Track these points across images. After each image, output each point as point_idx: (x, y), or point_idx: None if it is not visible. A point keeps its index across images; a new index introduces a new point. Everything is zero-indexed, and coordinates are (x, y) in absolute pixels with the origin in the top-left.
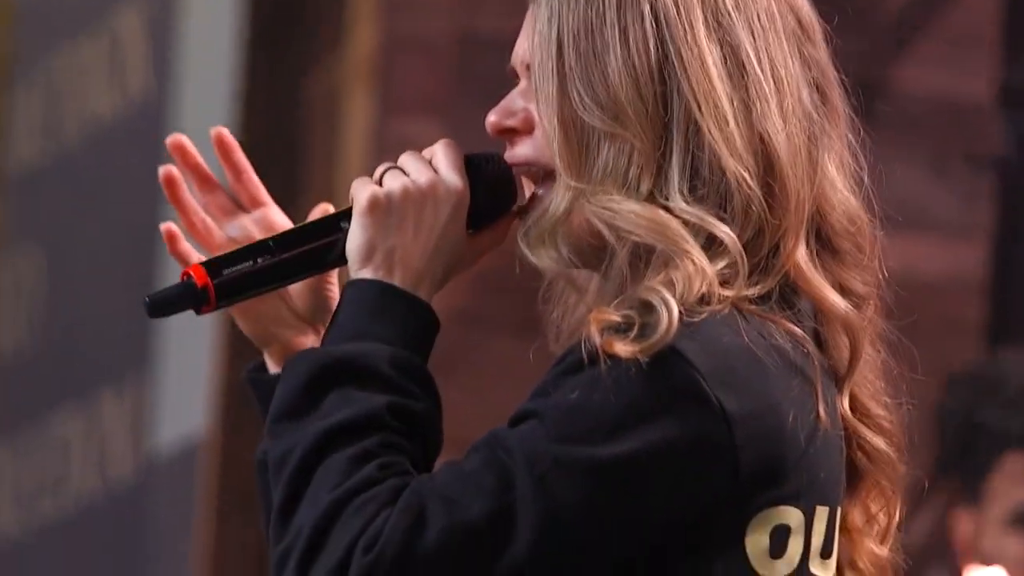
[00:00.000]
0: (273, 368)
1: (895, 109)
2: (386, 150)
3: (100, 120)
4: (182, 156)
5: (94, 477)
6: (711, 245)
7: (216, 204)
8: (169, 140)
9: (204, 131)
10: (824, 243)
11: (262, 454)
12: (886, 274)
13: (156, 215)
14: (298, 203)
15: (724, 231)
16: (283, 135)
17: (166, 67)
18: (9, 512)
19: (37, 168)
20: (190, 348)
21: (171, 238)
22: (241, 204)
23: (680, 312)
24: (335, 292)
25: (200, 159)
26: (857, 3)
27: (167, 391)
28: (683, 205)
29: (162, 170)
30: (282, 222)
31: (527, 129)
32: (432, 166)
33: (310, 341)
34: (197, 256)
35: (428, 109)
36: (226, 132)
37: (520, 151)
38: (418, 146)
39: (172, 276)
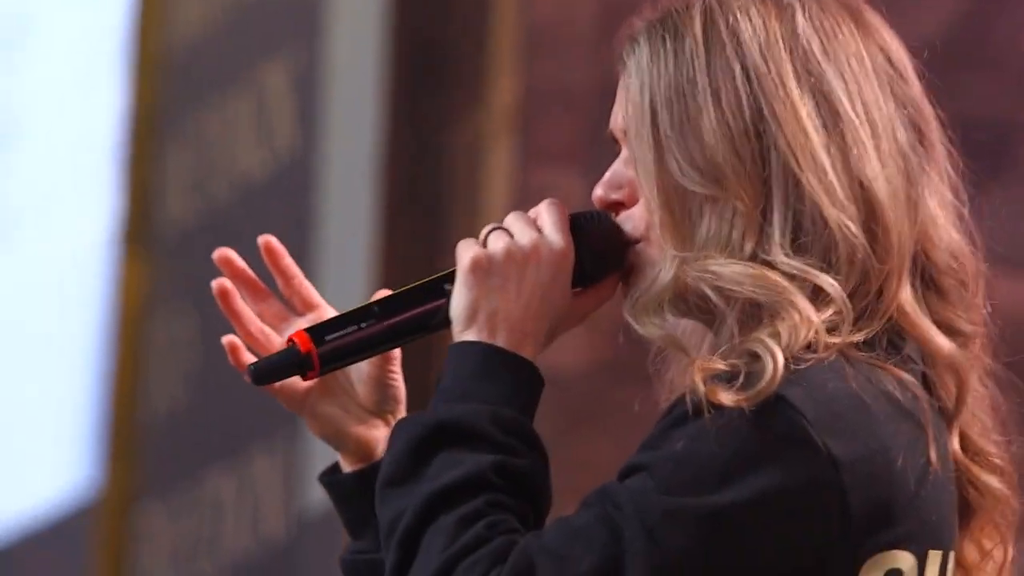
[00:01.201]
0: (347, 467)
1: None
2: (528, 201)
3: (249, 178)
4: (230, 268)
5: (247, 536)
6: (816, 296)
7: (270, 312)
8: (216, 254)
9: (349, 186)
10: (928, 282)
11: (348, 554)
12: (990, 310)
13: (305, 272)
14: (442, 255)
15: (827, 281)
16: (426, 188)
17: (312, 122)
18: (166, 572)
19: (189, 226)
20: None
21: (233, 350)
22: (295, 308)
23: (786, 360)
24: (399, 381)
25: (247, 269)
26: (992, 46)
27: (317, 450)
28: (784, 259)
29: (215, 284)
30: None
31: (632, 201)
32: (536, 226)
33: (381, 434)
34: None
35: (569, 159)
36: (273, 240)
37: (624, 223)
38: (559, 196)
39: None
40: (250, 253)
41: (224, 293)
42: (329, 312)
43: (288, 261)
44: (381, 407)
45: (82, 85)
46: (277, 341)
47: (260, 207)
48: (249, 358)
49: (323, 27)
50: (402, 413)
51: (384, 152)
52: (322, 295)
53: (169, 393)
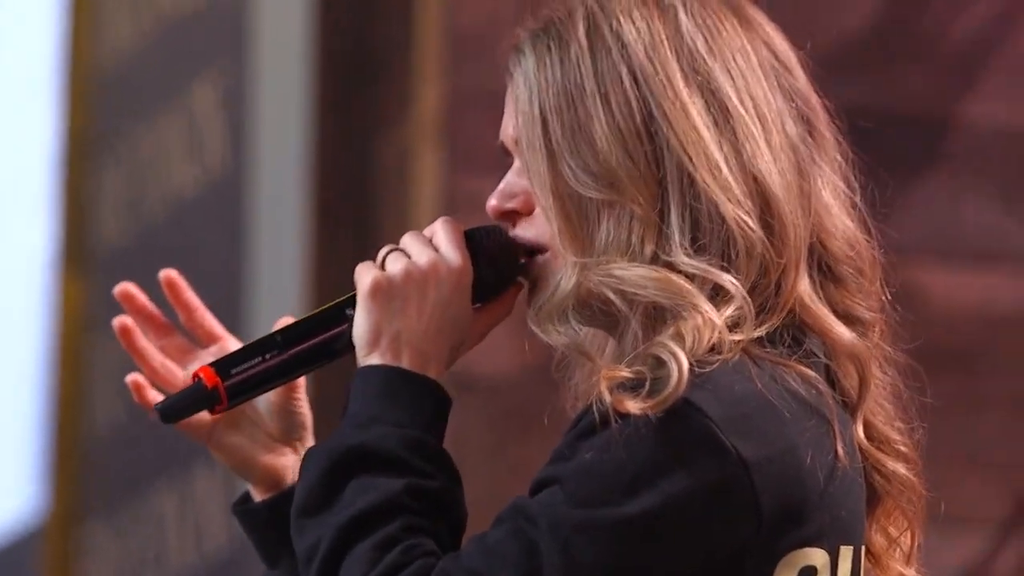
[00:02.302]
0: (257, 496)
1: (962, 145)
2: (457, 207)
3: (181, 195)
4: (131, 304)
5: (191, 551)
6: (717, 294)
7: (173, 346)
8: (117, 290)
9: (280, 199)
10: (825, 272)
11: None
12: (890, 297)
13: (238, 289)
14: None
15: (727, 279)
16: (356, 197)
17: (241, 137)
18: None
19: (124, 245)
20: None
21: (137, 388)
22: (199, 341)
23: (690, 364)
24: (305, 408)
25: (150, 306)
26: (919, 41)
27: None
28: (685, 259)
29: (116, 322)
30: None
31: (528, 210)
32: (433, 245)
33: (289, 461)
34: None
35: (496, 165)
36: (174, 273)
37: (523, 233)
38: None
39: None
40: (184, 269)
41: (125, 331)
42: (233, 343)
43: (189, 295)
44: (288, 435)
45: (14, 108)
46: (181, 375)
47: (193, 223)
48: (155, 395)
49: (250, 41)
50: (309, 439)
51: (314, 163)
52: (256, 308)
53: (110, 412)
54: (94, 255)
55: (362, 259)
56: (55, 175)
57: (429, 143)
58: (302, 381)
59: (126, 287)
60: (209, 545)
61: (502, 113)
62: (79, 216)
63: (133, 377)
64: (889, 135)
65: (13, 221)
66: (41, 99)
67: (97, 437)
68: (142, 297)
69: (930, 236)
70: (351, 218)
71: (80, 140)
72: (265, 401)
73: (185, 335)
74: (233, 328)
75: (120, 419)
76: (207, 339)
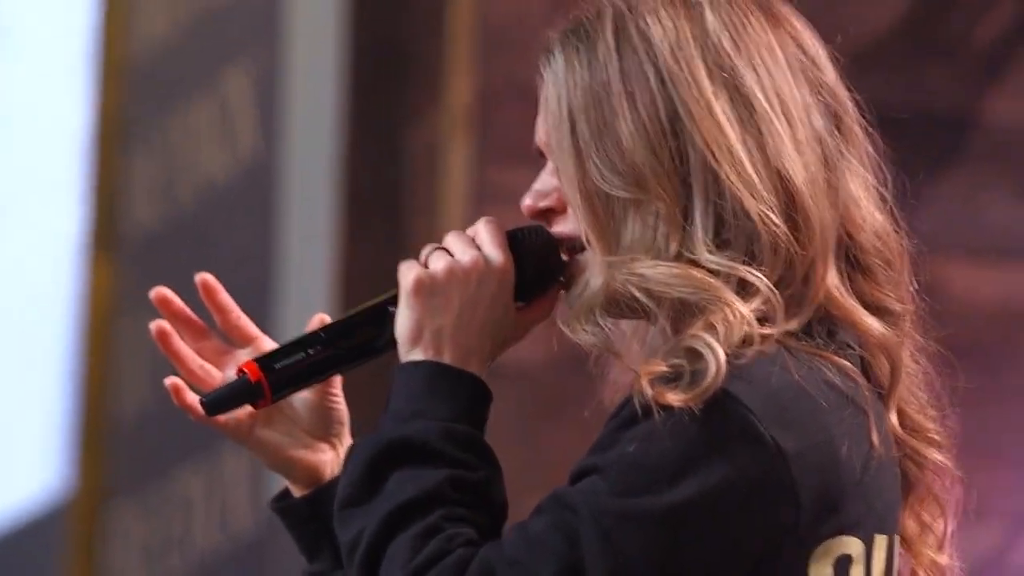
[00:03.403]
0: (296, 492)
1: (985, 141)
2: (486, 199)
3: (213, 182)
4: (168, 309)
5: (217, 532)
6: (743, 289)
7: (210, 349)
8: (153, 294)
9: (311, 187)
10: (854, 264)
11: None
12: (916, 287)
13: (268, 276)
14: (403, 254)
15: (752, 273)
16: (387, 187)
17: (273, 126)
18: (138, 570)
19: (154, 230)
20: None
21: (176, 391)
22: (234, 343)
23: (727, 355)
24: (341, 404)
25: (186, 309)
26: (946, 38)
27: None
28: (708, 256)
29: (153, 326)
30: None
31: (562, 208)
32: (475, 244)
33: (328, 458)
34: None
35: (526, 157)
36: (209, 277)
37: (560, 229)
38: (517, 194)
39: (283, 333)
40: (214, 255)
41: (163, 334)
42: (267, 343)
43: (224, 296)
44: (325, 431)
45: (47, 92)
46: (218, 377)
47: (224, 210)
48: (193, 398)
49: (283, 31)
50: (346, 435)
51: (345, 153)
52: (285, 294)
53: (138, 394)
54: (125, 240)
55: (392, 249)
56: (87, 160)
57: (460, 135)
58: (339, 379)
59: (162, 291)
60: (235, 527)
61: (533, 105)
62: (110, 201)
63: (172, 380)
64: (913, 131)
65: (45, 205)
66: (74, 84)
67: (125, 419)
68: (178, 301)
69: (952, 231)
70: (381, 207)
71: (112, 125)
72: (302, 399)
73: (220, 337)
74: (262, 314)
75: (148, 401)
76: (242, 340)
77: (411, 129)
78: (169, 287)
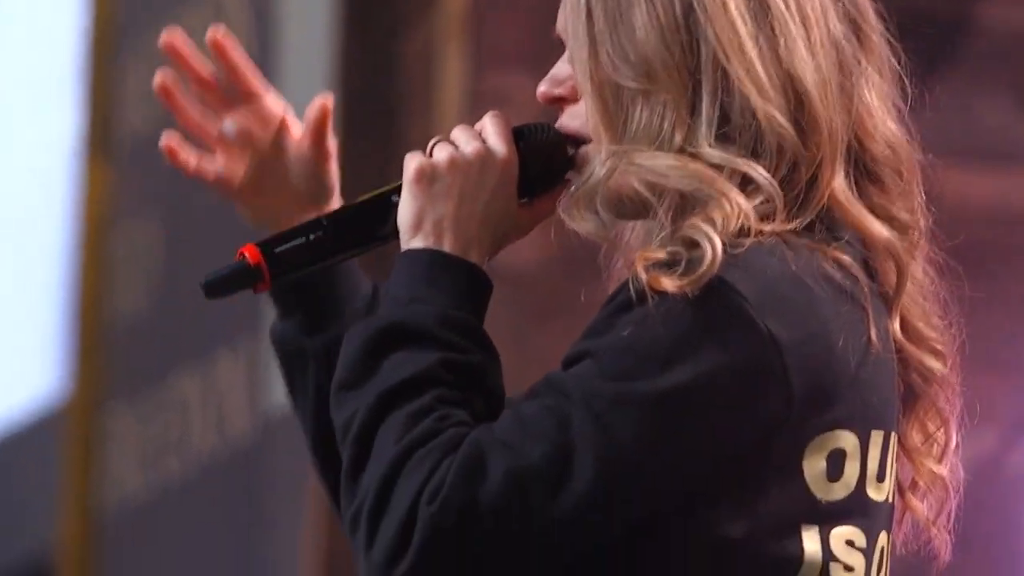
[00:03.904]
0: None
1: (981, 45)
2: (481, 104)
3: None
4: (175, 54)
5: (213, 436)
6: (745, 185)
7: (214, 99)
8: (163, 39)
9: (304, 96)
10: (864, 171)
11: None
12: (928, 202)
13: None
14: (398, 161)
15: (755, 169)
16: (380, 93)
17: (266, 33)
18: (135, 474)
19: (147, 137)
20: None
21: (171, 152)
22: (238, 98)
23: (724, 244)
24: (334, 174)
25: (194, 57)
26: None
27: None
28: (710, 150)
29: (156, 79)
30: (275, 110)
31: (574, 97)
32: (481, 137)
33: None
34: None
35: (521, 62)
36: (220, 34)
37: (568, 121)
38: (512, 99)
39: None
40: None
41: (165, 90)
42: (272, 100)
43: (236, 54)
44: (315, 198)
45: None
46: (213, 129)
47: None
48: (185, 159)
49: None
50: (335, 203)
51: (339, 61)
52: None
53: (133, 299)
54: (119, 144)
55: (387, 156)
56: (81, 66)
57: (454, 40)
58: (334, 148)
59: (172, 38)
60: (231, 430)
61: (527, 11)
62: (105, 107)
63: (167, 141)
64: (906, 36)
65: (39, 111)
66: None
67: (121, 323)
68: (187, 48)
69: (944, 136)
70: (376, 115)
71: (107, 30)
72: (297, 162)
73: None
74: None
75: (143, 306)
76: (247, 96)
77: (406, 35)
78: (165, 193)
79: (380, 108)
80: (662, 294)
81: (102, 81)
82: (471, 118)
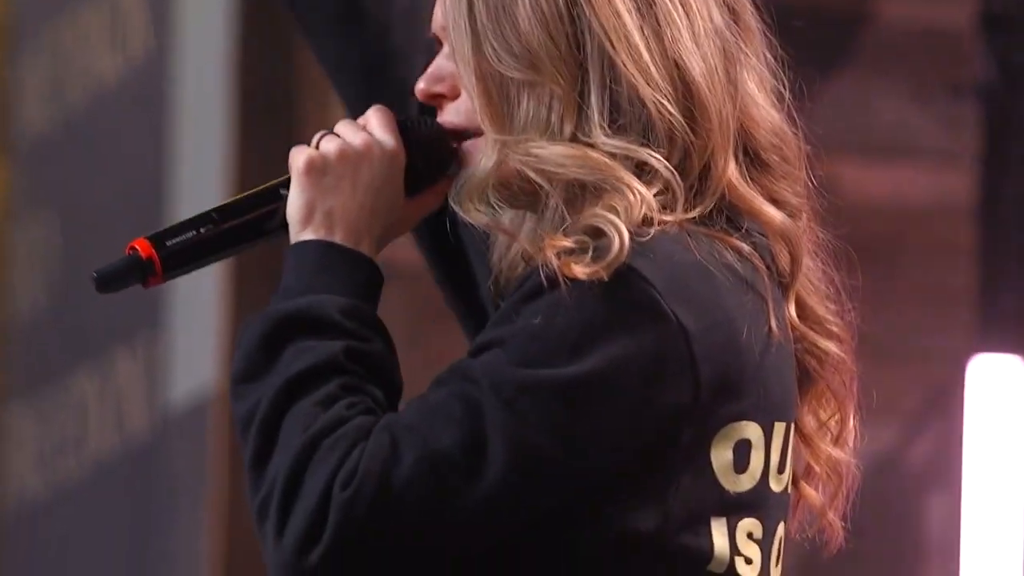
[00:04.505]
0: None
1: (877, 40)
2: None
3: (103, 83)
4: None
5: (112, 434)
6: (641, 172)
7: None
8: None
9: (203, 87)
10: (752, 158)
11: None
12: (814, 184)
13: (161, 173)
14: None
15: (652, 155)
16: (279, 85)
17: (164, 25)
18: (33, 473)
19: (45, 134)
20: (198, 303)
21: None
22: None
23: (629, 232)
24: None
25: None
26: None
27: (178, 347)
28: (604, 139)
29: None
30: None
31: (454, 94)
32: (366, 130)
33: None
34: None
35: None
36: None
37: (449, 117)
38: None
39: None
40: (107, 157)
41: None
42: None
43: None
44: None
45: None
46: None
47: (115, 112)
48: None
49: None
50: None
51: (236, 53)
52: (178, 198)
53: (30, 297)
54: (16, 143)
55: (285, 146)
56: None
57: None
58: None
59: None
60: (130, 428)
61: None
62: (1, 104)
63: None
64: (805, 31)
65: None
66: None
67: (18, 321)
68: None
69: (843, 130)
70: (274, 105)
71: (2, 29)
72: None
73: None
74: (155, 215)
75: (41, 304)
76: None
77: None
78: (61, 190)
79: (279, 100)
80: (573, 280)
81: None
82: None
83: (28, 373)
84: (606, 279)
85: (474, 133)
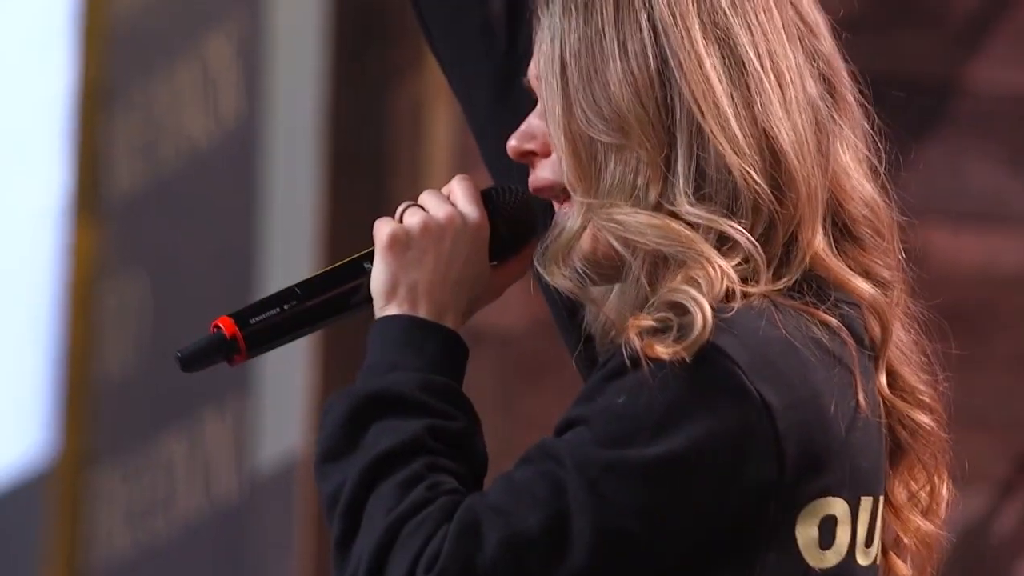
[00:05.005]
0: None
1: (969, 106)
2: (470, 160)
3: (195, 145)
4: None
5: (200, 496)
6: (723, 244)
7: None
8: None
9: (294, 151)
10: (843, 230)
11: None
12: (904, 256)
13: (252, 237)
14: (385, 215)
15: (733, 227)
16: (369, 149)
17: (256, 89)
18: (122, 532)
19: (136, 194)
20: (287, 367)
21: None
22: None
23: (712, 308)
24: None
25: None
26: (926, 4)
27: (266, 410)
28: (688, 208)
29: None
30: None
31: (546, 152)
32: (450, 201)
33: None
34: None
35: None
36: None
37: (541, 174)
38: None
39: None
40: (197, 219)
41: None
42: None
43: None
44: None
45: (31, 56)
46: None
47: (206, 173)
48: None
49: None
50: None
51: (327, 115)
52: (269, 258)
53: (120, 358)
54: (107, 203)
55: (375, 210)
56: (70, 123)
57: (443, 95)
58: None
59: None
60: (218, 490)
61: None
62: (93, 164)
63: None
64: (896, 98)
65: (28, 168)
66: (57, 47)
67: (108, 382)
68: None
69: (934, 197)
70: (365, 170)
71: (95, 89)
72: None
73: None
74: (246, 277)
75: (131, 364)
76: None
77: (394, 90)
78: (152, 250)
79: (369, 165)
80: (656, 361)
81: (90, 138)
82: (458, 175)
83: (117, 434)
84: (688, 358)
85: (565, 190)
